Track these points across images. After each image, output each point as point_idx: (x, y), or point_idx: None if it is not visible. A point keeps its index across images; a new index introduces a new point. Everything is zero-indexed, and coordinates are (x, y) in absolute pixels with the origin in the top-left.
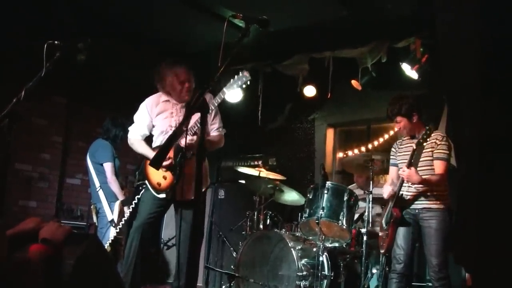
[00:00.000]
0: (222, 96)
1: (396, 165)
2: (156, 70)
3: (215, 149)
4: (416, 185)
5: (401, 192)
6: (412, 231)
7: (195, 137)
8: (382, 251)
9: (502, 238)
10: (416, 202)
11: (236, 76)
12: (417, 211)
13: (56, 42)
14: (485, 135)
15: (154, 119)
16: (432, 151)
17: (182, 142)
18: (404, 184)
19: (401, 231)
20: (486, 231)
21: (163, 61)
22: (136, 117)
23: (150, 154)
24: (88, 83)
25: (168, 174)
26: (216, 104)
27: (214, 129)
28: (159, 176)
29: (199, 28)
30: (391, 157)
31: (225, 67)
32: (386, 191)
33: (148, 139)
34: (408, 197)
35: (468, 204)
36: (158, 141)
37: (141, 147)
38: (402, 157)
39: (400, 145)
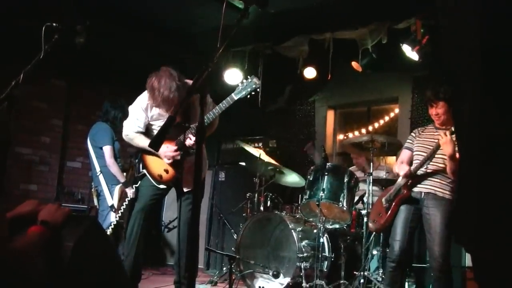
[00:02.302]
0: (230, 102)
1: (411, 149)
2: (150, 80)
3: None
4: (436, 163)
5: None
6: (411, 219)
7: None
8: (375, 227)
9: (502, 219)
10: (423, 186)
11: (245, 81)
12: (422, 195)
13: (54, 24)
14: (486, 130)
15: (151, 122)
16: None
17: (187, 142)
18: (421, 170)
19: (400, 220)
20: (486, 215)
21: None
22: (132, 113)
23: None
24: (88, 66)
25: (170, 168)
26: (223, 109)
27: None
28: (160, 169)
29: (198, 10)
30: (408, 140)
31: (224, 49)
32: (402, 169)
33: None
34: (421, 173)
35: (468, 194)
36: None
37: (142, 141)
38: (420, 144)
39: (422, 132)
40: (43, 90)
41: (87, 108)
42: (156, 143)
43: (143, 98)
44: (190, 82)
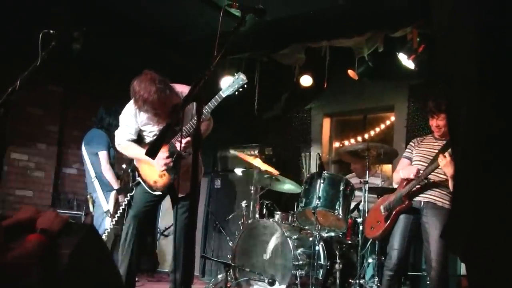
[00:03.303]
0: (219, 100)
1: (409, 158)
2: (132, 84)
3: (208, 134)
4: (436, 174)
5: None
6: (409, 229)
7: (189, 138)
8: (372, 234)
9: (497, 229)
10: (422, 195)
11: (233, 79)
12: (422, 204)
13: (51, 31)
14: (481, 132)
15: (141, 127)
16: None
17: (178, 144)
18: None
19: (398, 229)
20: (483, 216)
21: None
22: (122, 121)
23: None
24: (84, 72)
25: (164, 174)
26: (212, 107)
27: (205, 122)
28: (154, 175)
29: (196, 17)
30: (407, 150)
31: (221, 56)
32: (411, 170)
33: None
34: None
35: (463, 199)
36: (148, 141)
37: (134, 150)
38: (419, 153)
39: (421, 141)
40: (39, 96)
41: (84, 114)
42: (152, 151)
43: (131, 105)
44: (175, 85)
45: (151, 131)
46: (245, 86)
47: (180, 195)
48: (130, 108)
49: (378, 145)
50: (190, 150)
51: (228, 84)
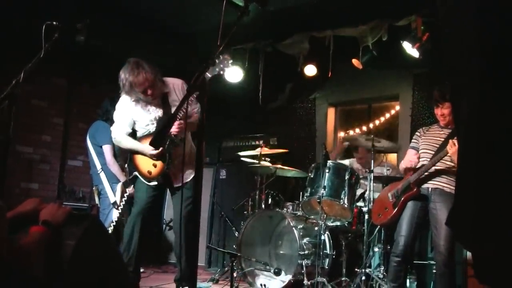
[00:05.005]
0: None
1: (416, 149)
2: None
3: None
4: (444, 161)
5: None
6: (417, 215)
7: (181, 121)
8: (380, 220)
9: (500, 215)
10: (430, 182)
11: (217, 61)
12: (430, 191)
13: (54, 23)
14: (484, 127)
15: (135, 119)
16: None
17: (172, 129)
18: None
19: (406, 216)
20: (484, 210)
21: (152, 48)
22: (116, 117)
23: (140, 146)
24: (88, 64)
25: (158, 162)
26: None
27: (195, 112)
28: (148, 165)
29: (199, 8)
30: (413, 140)
31: (224, 47)
32: (406, 162)
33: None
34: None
35: (466, 186)
36: (141, 133)
37: (129, 143)
38: (426, 142)
39: (427, 131)
40: (43, 89)
41: (88, 107)
42: (156, 141)
43: (122, 99)
44: (167, 79)
45: (144, 122)
46: (230, 65)
47: (175, 185)
48: (122, 102)
49: (381, 141)
50: (181, 135)
51: (212, 68)
